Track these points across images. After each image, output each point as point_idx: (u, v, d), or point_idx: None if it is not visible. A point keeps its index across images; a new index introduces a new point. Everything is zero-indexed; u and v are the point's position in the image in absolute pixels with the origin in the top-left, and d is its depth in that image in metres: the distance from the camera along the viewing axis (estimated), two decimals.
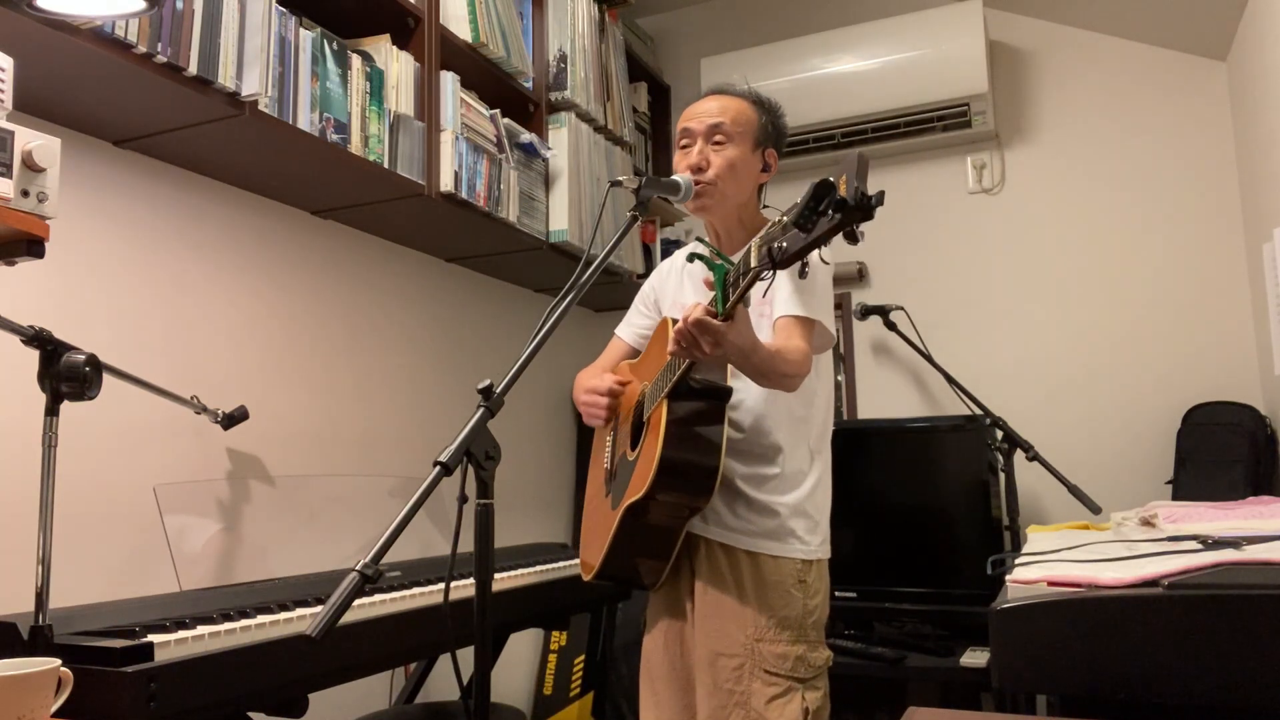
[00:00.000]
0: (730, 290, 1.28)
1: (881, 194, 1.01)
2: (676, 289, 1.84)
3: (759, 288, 1.24)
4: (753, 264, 1.19)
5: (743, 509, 1.64)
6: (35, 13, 1.34)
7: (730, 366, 1.58)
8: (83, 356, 1.31)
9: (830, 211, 1.03)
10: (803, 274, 1.16)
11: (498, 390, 1.25)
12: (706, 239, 1.84)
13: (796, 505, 1.64)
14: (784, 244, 1.10)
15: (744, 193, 1.72)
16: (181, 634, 1.25)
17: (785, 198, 1.84)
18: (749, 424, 1.66)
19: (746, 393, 1.64)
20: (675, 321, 1.61)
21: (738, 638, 1.60)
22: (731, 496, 1.64)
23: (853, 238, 1.05)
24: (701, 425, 1.53)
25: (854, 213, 1.01)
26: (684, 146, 1.73)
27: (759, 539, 1.63)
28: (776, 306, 1.60)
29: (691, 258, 1.38)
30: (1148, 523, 1.64)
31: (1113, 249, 2.98)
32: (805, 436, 1.68)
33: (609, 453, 1.81)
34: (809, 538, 1.64)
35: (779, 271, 1.15)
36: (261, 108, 1.78)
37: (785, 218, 1.12)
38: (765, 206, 1.81)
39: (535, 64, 2.70)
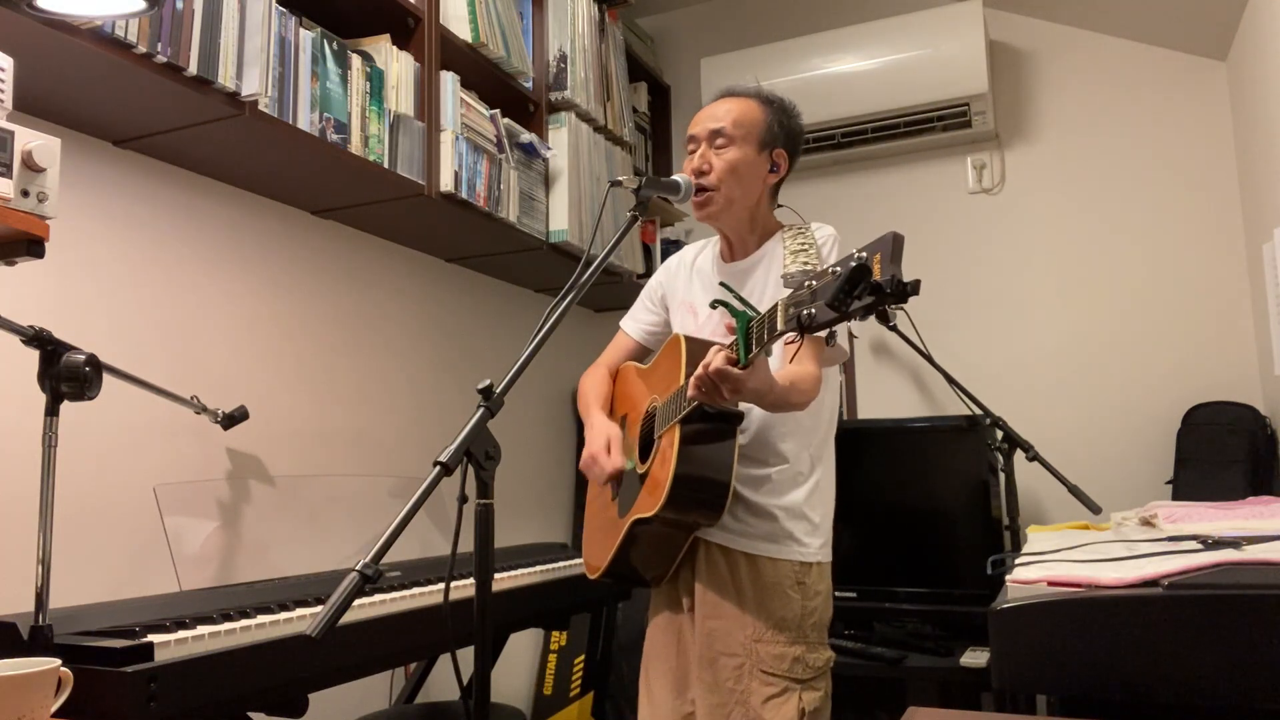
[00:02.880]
0: (754, 343, 1.29)
1: (917, 283, 1.02)
2: (685, 286, 1.83)
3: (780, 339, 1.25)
4: (779, 326, 1.20)
5: (741, 511, 1.64)
6: (35, 13, 1.34)
7: None
8: (83, 356, 1.31)
9: (865, 295, 1.03)
10: (830, 341, 1.16)
11: (498, 390, 1.25)
12: (715, 239, 1.83)
13: (794, 508, 1.64)
14: (813, 312, 1.10)
15: (751, 195, 1.70)
16: (181, 634, 1.25)
17: (784, 197, 1.84)
18: (753, 430, 1.66)
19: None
20: (690, 339, 1.61)
21: (738, 637, 1.60)
22: (731, 499, 1.64)
23: (885, 318, 1.07)
24: (712, 447, 1.54)
25: (888, 298, 1.02)
26: (690, 152, 1.73)
27: (757, 541, 1.63)
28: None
29: (714, 304, 1.39)
30: (1148, 523, 1.64)
31: (1113, 249, 2.98)
32: (808, 443, 1.68)
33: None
34: (808, 540, 1.64)
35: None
36: (261, 108, 1.78)
37: (814, 282, 1.12)
38: (780, 206, 1.80)
39: (535, 64, 2.70)
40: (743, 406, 1.63)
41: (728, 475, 1.54)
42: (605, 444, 1.67)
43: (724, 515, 1.61)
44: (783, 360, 1.59)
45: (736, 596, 1.62)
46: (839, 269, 1.06)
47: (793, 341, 1.21)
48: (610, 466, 1.64)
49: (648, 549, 1.65)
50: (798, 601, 1.61)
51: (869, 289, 1.03)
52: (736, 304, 1.31)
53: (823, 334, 1.13)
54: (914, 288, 1.01)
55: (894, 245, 1.02)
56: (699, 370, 1.36)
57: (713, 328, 1.72)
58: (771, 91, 1.76)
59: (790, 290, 1.19)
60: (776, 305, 1.22)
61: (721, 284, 1.50)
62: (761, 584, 1.61)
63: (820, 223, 1.71)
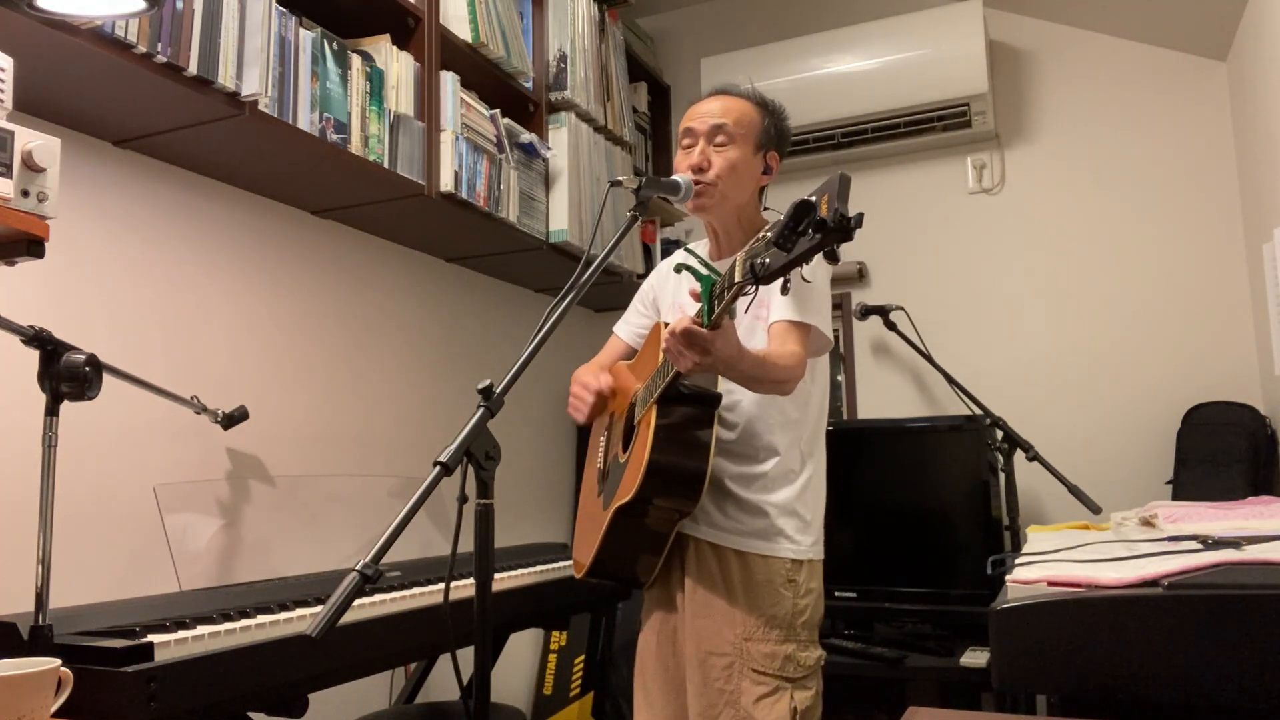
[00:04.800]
0: (716, 302, 1.28)
1: (860, 216, 1.02)
2: (675, 289, 1.84)
3: (744, 301, 1.25)
4: (737, 278, 1.20)
5: (732, 508, 1.64)
6: (35, 13, 1.34)
7: None
8: (83, 356, 1.31)
9: (810, 231, 1.03)
10: (785, 290, 1.17)
11: (498, 390, 1.25)
12: (705, 239, 1.84)
13: (786, 505, 1.64)
14: (766, 260, 1.11)
15: (744, 194, 1.71)
16: (181, 634, 1.25)
17: (785, 198, 1.85)
18: (742, 425, 1.66)
19: (740, 394, 1.64)
20: (667, 325, 1.61)
21: (727, 636, 1.60)
22: (721, 496, 1.64)
23: (832, 257, 1.06)
24: (690, 430, 1.54)
25: (833, 234, 1.02)
26: (686, 146, 1.73)
27: (748, 538, 1.63)
28: (772, 311, 1.61)
29: (679, 268, 1.38)
30: (1148, 523, 1.64)
31: (1113, 249, 2.98)
32: (798, 438, 1.67)
33: (603, 452, 1.82)
34: (799, 537, 1.64)
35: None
36: (261, 108, 1.78)
37: (768, 233, 1.12)
38: (766, 209, 1.81)
39: (535, 64, 2.70)
40: (729, 400, 1.62)
41: (705, 459, 1.53)
42: (594, 373, 1.75)
43: (708, 508, 1.61)
44: (767, 344, 1.59)
45: (726, 594, 1.62)
46: (788, 210, 1.06)
47: (749, 294, 1.21)
48: (592, 385, 1.71)
49: (631, 540, 1.63)
50: (789, 599, 1.61)
51: (813, 224, 1.03)
52: (700, 268, 1.31)
53: (779, 283, 1.13)
54: (857, 221, 1.01)
55: (840, 184, 1.03)
56: (665, 334, 1.36)
57: (697, 310, 1.73)
58: (763, 94, 1.77)
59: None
60: (734, 261, 1.22)
61: (685, 249, 1.50)
62: (752, 582, 1.61)
63: None
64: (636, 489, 1.50)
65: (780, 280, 1.13)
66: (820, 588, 1.68)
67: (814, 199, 1.03)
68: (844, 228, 1.01)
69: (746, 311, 1.61)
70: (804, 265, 1.10)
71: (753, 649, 1.58)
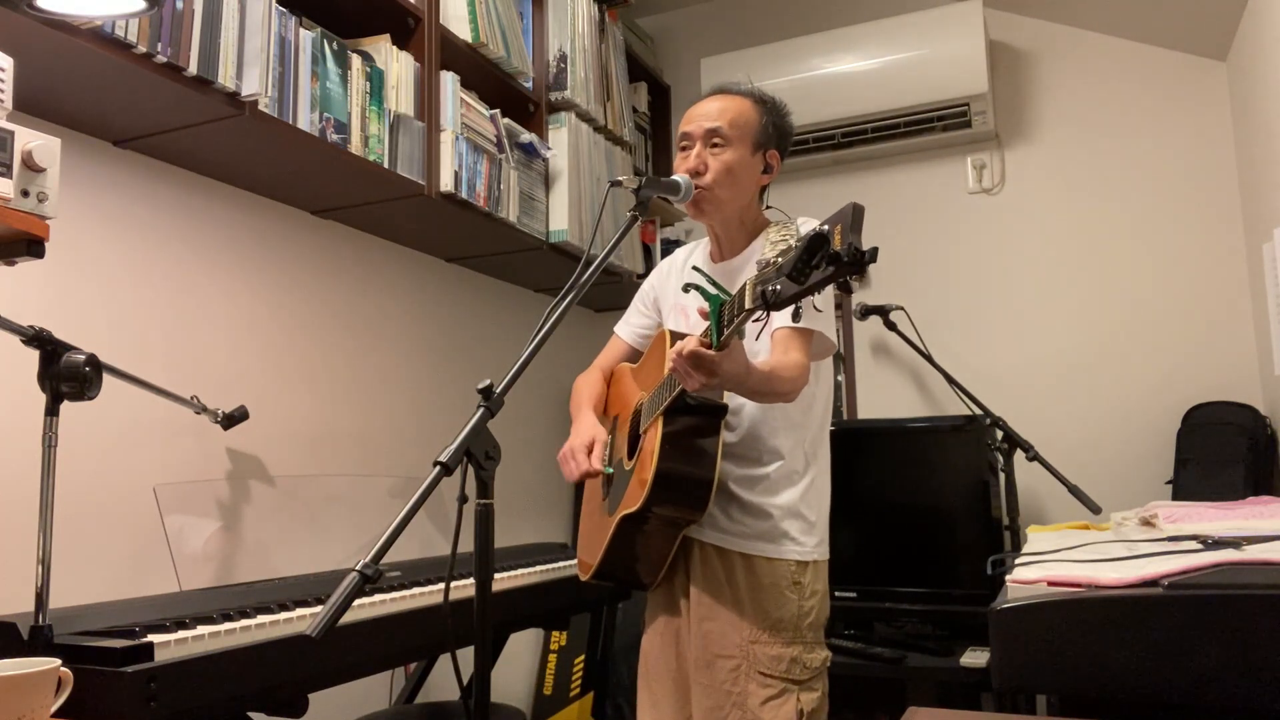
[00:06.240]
0: (725, 325, 1.28)
1: (875, 250, 1.02)
2: (676, 290, 1.83)
3: (753, 326, 1.25)
4: (747, 304, 1.19)
5: (736, 511, 1.64)
6: (35, 13, 1.34)
7: None
8: (83, 356, 1.31)
9: (824, 265, 1.03)
10: (796, 316, 1.16)
11: (498, 390, 1.25)
12: (706, 240, 1.84)
13: (790, 506, 1.64)
14: (778, 288, 1.11)
15: (743, 195, 1.71)
16: (181, 634, 1.25)
17: (785, 197, 1.85)
18: (745, 428, 1.65)
19: (743, 398, 1.64)
20: (674, 334, 1.61)
21: (733, 639, 1.60)
22: (725, 499, 1.64)
23: (846, 288, 1.06)
24: (696, 442, 1.54)
25: (847, 267, 1.02)
26: (683, 149, 1.72)
27: (752, 541, 1.63)
28: (774, 318, 1.60)
29: (687, 288, 1.38)
30: (1148, 523, 1.64)
31: (1113, 249, 2.98)
32: (801, 440, 1.67)
33: (607, 455, 1.81)
34: (804, 539, 1.64)
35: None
36: (261, 108, 1.78)
37: (780, 259, 1.12)
38: (768, 207, 1.80)
39: (535, 64, 2.70)
40: (732, 403, 1.63)
41: (711, 469, 1.54)
42: (587, 442, 1.65)
43: (712, 511, 1.60)
44: (770, 352, 1.59)
45: (732, 597, 1.62)
46: (801, 242, 1.06)
47: (760, 319, 1.21)
48: (584, 466, 1.61)
49: (637, 547, 1.64)
50: (794, 601, 1.61)
51: (827, 258, 1.03)
52: (709, 288, 1.31)
53: (789, 309, 1.13)
54: (871, 255, 1.01)
55: (854, 215, 1.02)
56: (672, 353, 1.36)
57: (704, 329, 1.73)
58: (763, 91, 1.75)
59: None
60: (745, 285, 1.21)
61: (694, 268, 1.50)
62: (757, 584, 1.61)
63: (808, 218, 1.70)
64: (644, 499, 1.51)
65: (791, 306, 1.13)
66: (825, 589, 1.68)
67: (828, 231, 1.03)
68: (858, 262, 1.01)
69: (759, 339, 1.60)
70: (815, 295, 1.10)
71: (759, 652, 1.58)
